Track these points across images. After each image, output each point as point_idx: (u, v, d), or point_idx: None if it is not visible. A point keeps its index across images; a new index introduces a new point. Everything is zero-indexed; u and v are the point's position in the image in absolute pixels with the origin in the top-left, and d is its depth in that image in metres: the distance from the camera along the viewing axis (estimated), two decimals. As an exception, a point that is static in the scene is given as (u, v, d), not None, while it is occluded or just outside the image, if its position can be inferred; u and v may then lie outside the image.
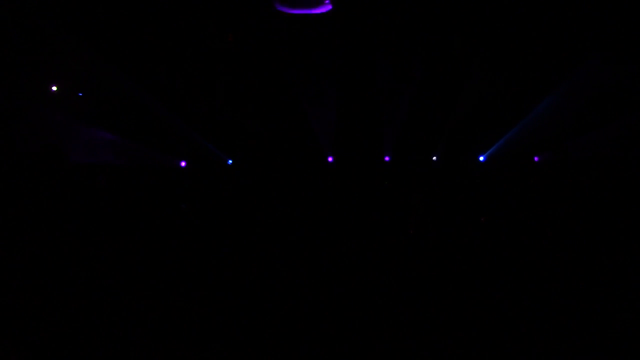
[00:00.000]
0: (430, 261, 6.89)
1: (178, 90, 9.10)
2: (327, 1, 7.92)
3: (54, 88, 8.35)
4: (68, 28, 7.87)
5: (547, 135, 8.93)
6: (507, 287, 5.72)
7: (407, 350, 4.43)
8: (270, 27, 8.47)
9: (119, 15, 7.99)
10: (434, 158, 9.36)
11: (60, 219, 7.76)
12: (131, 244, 7.48)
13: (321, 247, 7.68)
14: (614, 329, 4.50)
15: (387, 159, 9.51)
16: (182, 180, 9.65)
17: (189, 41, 8.50)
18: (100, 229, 7.91)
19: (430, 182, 9.21)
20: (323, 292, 5.74)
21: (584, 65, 8.20)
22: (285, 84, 9.10)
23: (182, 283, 5.98)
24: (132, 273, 6.34)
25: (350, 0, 8.11)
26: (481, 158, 9.36)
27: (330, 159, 9.55)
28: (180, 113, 9.24)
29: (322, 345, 4.49)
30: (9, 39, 7.66)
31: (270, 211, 8.88)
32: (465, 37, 8.32)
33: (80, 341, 4.49)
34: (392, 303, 5.38)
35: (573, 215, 7.81)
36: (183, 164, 9.78)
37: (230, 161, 9.76)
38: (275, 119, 9.43)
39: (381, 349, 4.44)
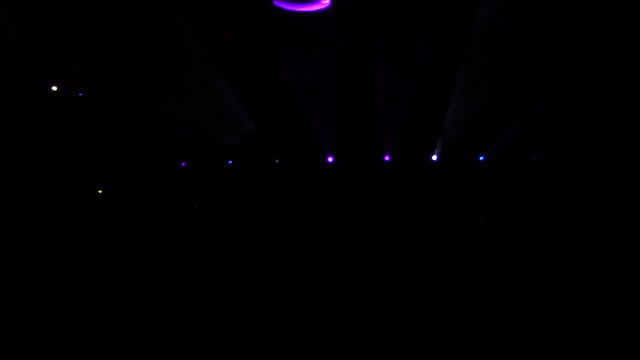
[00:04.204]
0: (431, 261, 6.89)
1: (177, 89, 9.10)
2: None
3: (54, 88, 8.35)
4: (69, 28, 7.88)
5: (547, 135, 8.91)
6: (507, 287, 5.72)
7: (407, 350, 4.43)
8: (269, 26, 8.46)
9: (118, 14, 8.00)
10: (434, 158, 9.36)
11: (59, 218, 7.76)
12: (130, 244, 7.48)
13: (321, 247, 7.68)
14: (613, 329, 4.51)
15: (387, 158, 9.50)
16: (181, 180, 9.65)
17: (188, 41, 8.50)
18: (99, 229, 7.91)
19: (430, 182, 9.20)
20: (323, 293, 5.74)
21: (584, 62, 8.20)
22: (284, 83, 9.09)
23: (181, 284, 5.99)
24: (131, 273, 6.35)
25: None
26: (481, 158, 9.35)
27: (330, 159, 9.54)
28: (178, 112, 9.25)
29: (322, 345, 4.49)
30: (9, 39, 7.66)
31: (270, 211, 8.88)
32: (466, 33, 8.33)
33: (80, 341, 4.49)
34: (393, 303, 5.38)
35: (573, 215, 7.81)
36: (183, 164, 9.78)
37: (230, 162, 9.77)
38: (275, 119, 9.42)
39: (381, 349, 4.44)
